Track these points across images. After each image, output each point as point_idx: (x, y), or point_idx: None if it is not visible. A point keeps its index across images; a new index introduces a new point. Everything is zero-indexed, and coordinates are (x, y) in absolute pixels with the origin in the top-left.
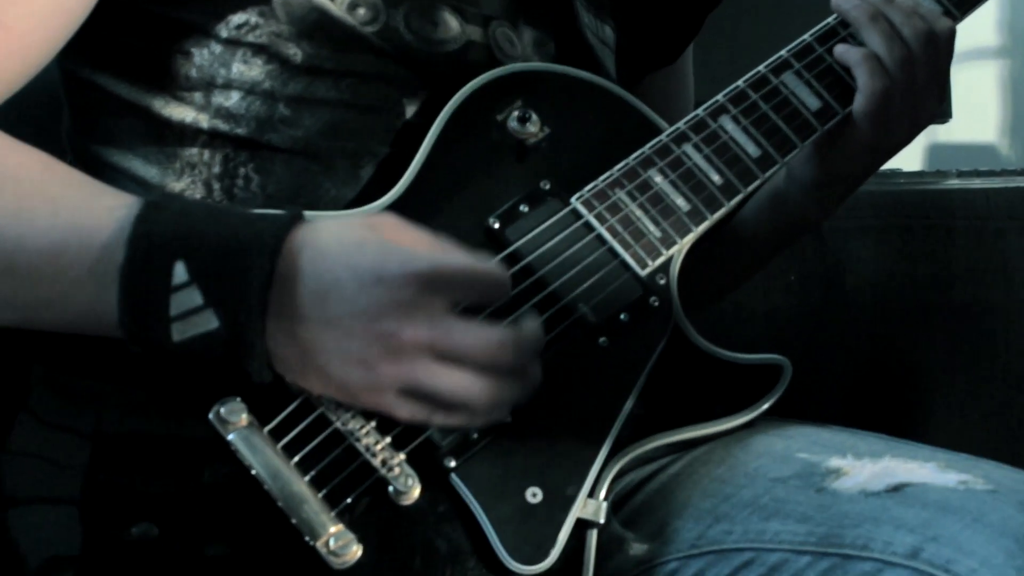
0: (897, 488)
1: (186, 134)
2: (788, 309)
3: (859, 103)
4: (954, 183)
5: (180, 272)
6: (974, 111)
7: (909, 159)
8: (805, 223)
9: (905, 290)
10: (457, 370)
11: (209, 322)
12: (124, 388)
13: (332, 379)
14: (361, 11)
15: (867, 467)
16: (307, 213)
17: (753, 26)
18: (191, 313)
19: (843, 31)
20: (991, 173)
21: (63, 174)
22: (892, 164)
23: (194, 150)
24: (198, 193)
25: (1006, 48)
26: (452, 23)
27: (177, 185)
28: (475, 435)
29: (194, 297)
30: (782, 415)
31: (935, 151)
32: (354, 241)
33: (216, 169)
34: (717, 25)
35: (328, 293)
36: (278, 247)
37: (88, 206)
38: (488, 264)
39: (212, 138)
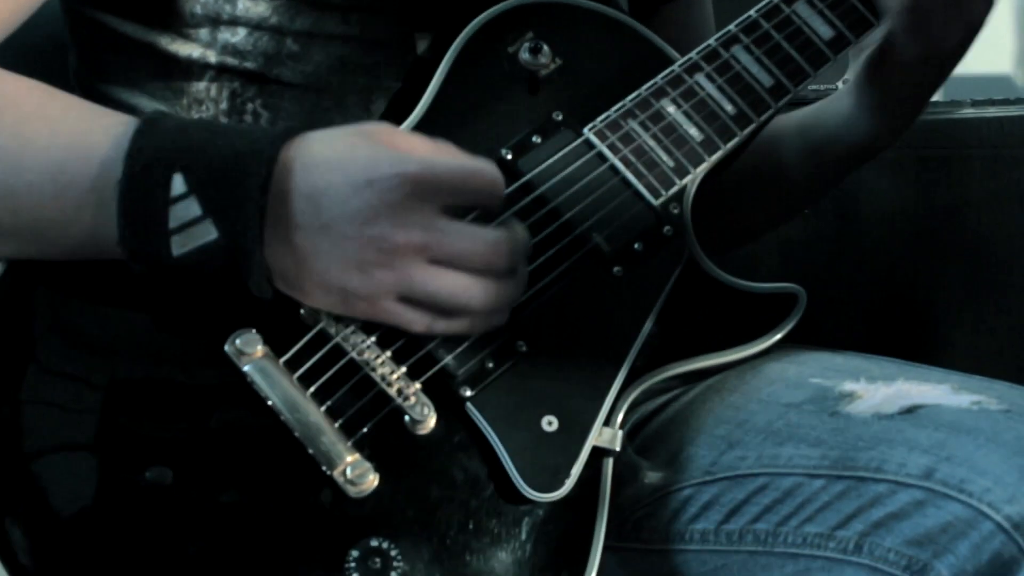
0: (910, 410)
1: (193, 70)
2: (802, 240)
3: (891, 22)
4: (968, 112)
5: (178, 184)
6: (988, 41)
7: None
8: (875, 148)
9: (920, 220)
10: (452, 272)
11: (208, 233)
12: (137, 332)
13: (330, 287)
14: None
15: (880, 390)
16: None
17: None
18: (190, 224)
19: None
20: (1006, 102)
21: (62, 98)
22: None
23: (201, 85)
24: None
25: None
26: None
27: None
28: (491, 364)
29: (192, 208)
30: (797, 343)
31: (949, 82)
32: (346, 146)
33: (224, 105)
34: None
35: (321, 198)
36: (274, 155)
37: (86, 126)
38: (479, 162)
39: (219, 73)
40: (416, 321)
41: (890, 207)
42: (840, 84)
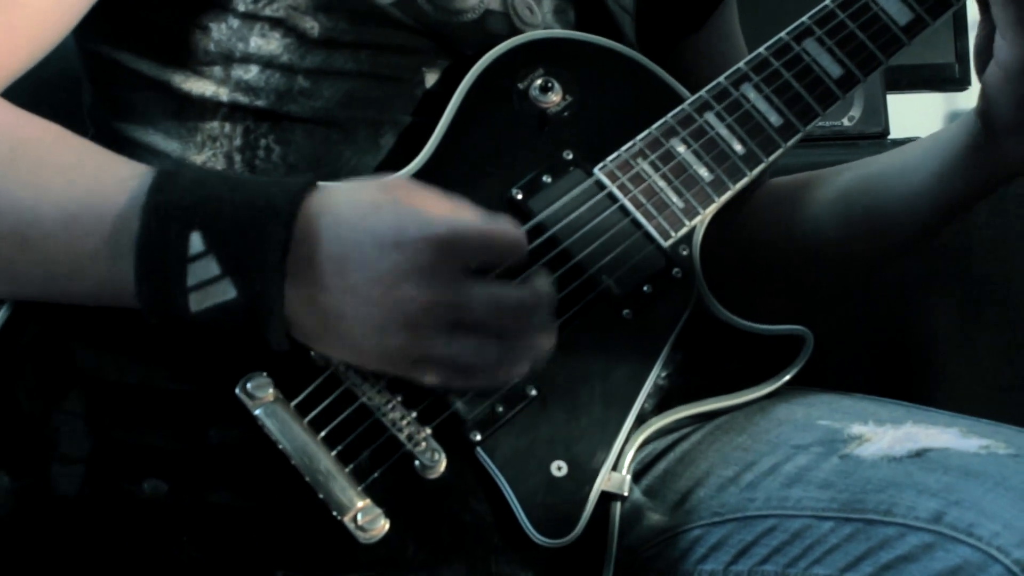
0: (919, 453)
1: (206, 108)
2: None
3: (997, 20)
4: None
5: (196, 242)
6: None
7: (928, 126)
8: (995, 183)
9: (926, 258)
10: (474, 336)
11: (227, 292)
12: (141, 347)
13: (352, 347)
14: None
15: (889, 433)
16: (324, 183)
17: None
18: (209, 283)
19: None
20: None
21: (77, 145)
22: (910, 133)
23: (215, 123)
24: (219, 165)
25: None
26: None
27: (198, 158)
28: (500, 409)
29: (211, 267)
30: (805, 384)
31: (955, 119)
32: (369, 204)
33: (237, 141)
34: None
35: (347, 258)
36: (294, 212)
37: (102, 176)
38: (503, 224)
39: (232, 111)
40: (434, 379)
41: None
42: (846, 121)
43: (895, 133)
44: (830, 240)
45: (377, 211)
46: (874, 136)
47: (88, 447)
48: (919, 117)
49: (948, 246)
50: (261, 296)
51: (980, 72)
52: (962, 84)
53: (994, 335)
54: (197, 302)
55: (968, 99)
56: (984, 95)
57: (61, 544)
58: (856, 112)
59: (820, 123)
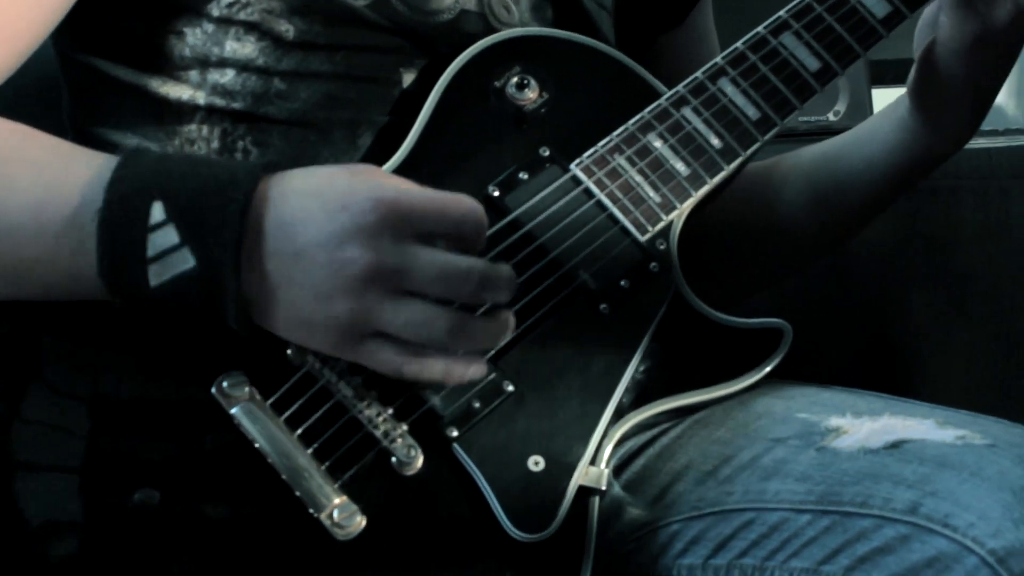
0: (896, 445)
1: (184, 111)
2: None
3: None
4: None
5: (157, 212)
6: None
7: None
8: (932, 159)
9: (910, 251)
10: (420, 303)
11: (185, 261)
12: (129, 355)
13: (300, 319)
14: None
15: (866, 425)
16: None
17: None
18: (167, 252)
19: None
20: (994, 132)
21: (45, 140)
22: None
23: (192, 126)
24: None
25: None
26: None
27: None
28: (477, 404)
29: (170, 236)
30: (786, 378)
31: None
32: (326, 176)
33: (215, 144)
34: None
35: (295, 224)
36: (253, 185)
37: (70, 166)
38: (458, 194)
39: (209, 114)
40: (387, 361)
41: (880, 238)
42: (831, 116)
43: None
44: (793, 218)
45: (331, 179)
46: None
47: (78, 458)
48: None
49: (932, 240)
50: (217, 264)
51: (918, 48)
52: None
53: (977, 329)
54: (156, 274)
55: None
56: (919, 74)
57: (54, 555)
58: (841, 107)
59: (805, 118)
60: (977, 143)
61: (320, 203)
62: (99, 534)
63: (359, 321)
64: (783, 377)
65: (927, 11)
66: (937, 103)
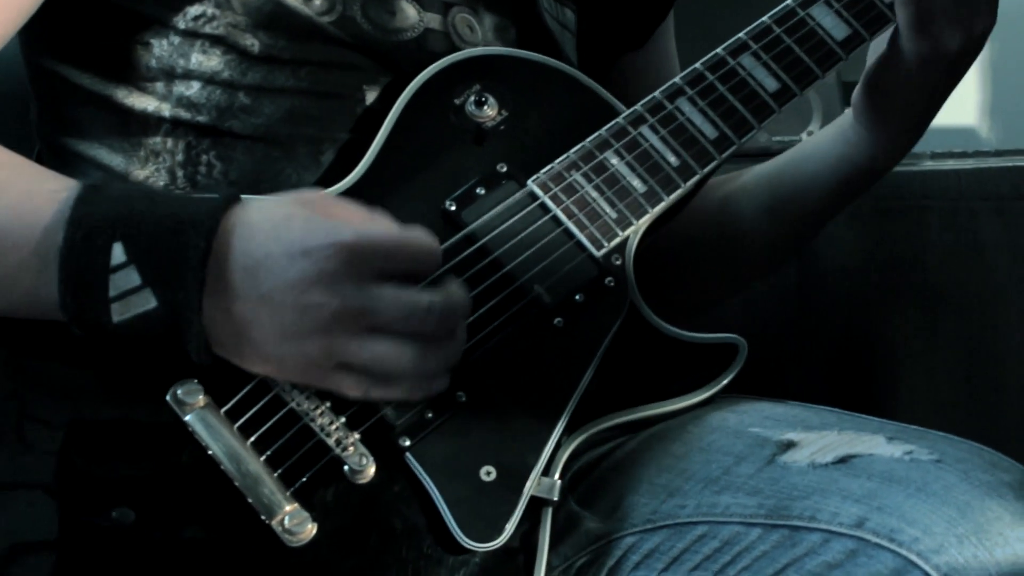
0: (845, 459)
1: (149, 123)
2: (763, 291)
3: (899, 15)
4: (928, 164)
5: (118, 253)
6: (953, 94)
7: None
8: (873, 172)
9: (879, 271)
10: (386, 339)
11: (147, 302)
12: (96, 374)
13: (268, 357)
14: (317, 1)
15: (817, 440)
16: (247, 197)
17: (726, 10)
18: (129, 293)
19: (801, 12)
20: (964, 155)
21: (8, 161)
22: None
23: (157, 139)
24: (162, 180)
25: None
26: (410, 11)
27: (141, 173)
28: (430, 414)
29: (132, 277)
30: (754, 395)
31: None
32: (282, 216)
33: (179, 157)
34: (689, 10)
35: (259, 268)
36: (213, 227)
37: (31, 189)
38: (416, 234)
39: (174, 127)
40: (352, 388)
41: (849, 258)
42: (804, 135)
43: None
44: (750, 228)
45: (288, 222)
46: None
47: (53, 478)
48: None
49: (900, 260)
50: (181, 306)
51: (869, 63)
52: None
53: (946, 348)
54: (119, 312)
55: None
56: (864, 86)
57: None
58: (815, 127)
59: (779, 137)
60: (946, 164)
61: (281, 248)
62: (74, 553)
63: (326, 357)
64: (750, 394)
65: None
66: (879, 119)
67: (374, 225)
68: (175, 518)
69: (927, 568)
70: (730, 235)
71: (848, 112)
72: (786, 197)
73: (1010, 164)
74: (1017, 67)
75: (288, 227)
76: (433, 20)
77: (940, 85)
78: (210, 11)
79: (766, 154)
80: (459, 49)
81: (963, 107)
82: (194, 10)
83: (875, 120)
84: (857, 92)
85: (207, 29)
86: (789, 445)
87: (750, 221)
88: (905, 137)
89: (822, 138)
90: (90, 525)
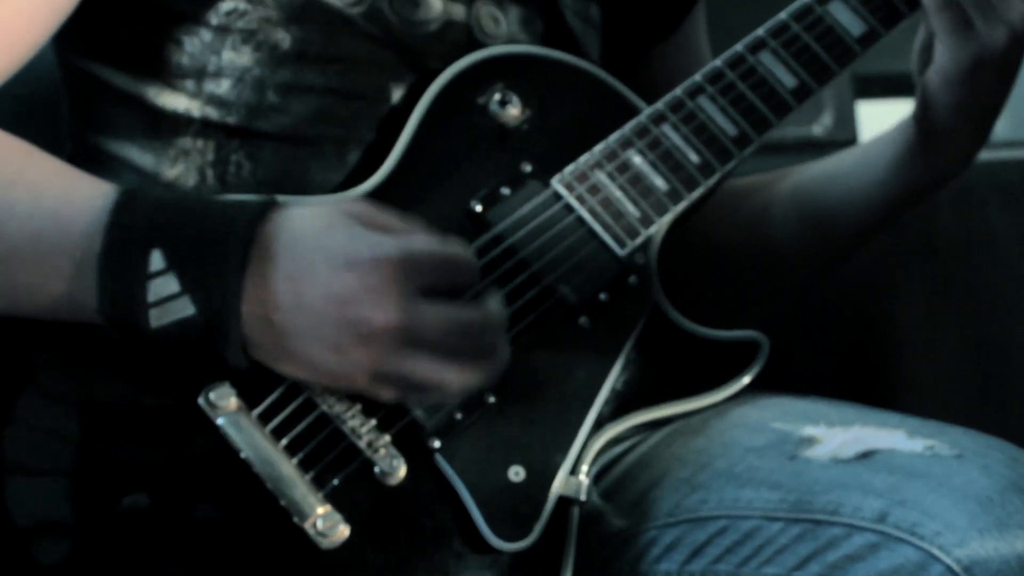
0: (866, 455)
1: (179, 123)
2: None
3: (934, 25)
4: None
5: (157, 260)
6: None
7: None
8: (934, 186)
9: (889, 261)
10: (427, 356)
11: (186, 308)
12: (120, 362)
13: (306, 364)
14: None
15: (838, 435)
16: (282, 198)
17: (746, 5)
18: (168, 299)
19: (819, 8)
20: None
21: (44, 162)
22: None
23: (187, 138)
24: (192, 180)
25: None
26: (435, 3)
27: (171, 172)
28: (459, 415)
29: (171, 284)
30: (767, 388)
31: None
32: (325, 226)
33: (209, 156)
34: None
35: (301, 278)
36: (252, 235)
37: (68, 194)
38: (456, 247)
39: (204, 126)
40: (390, 397)
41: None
42: (816, 128)
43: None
44: (783, 241)
45: (331, 231)
46: (844, 143)
47: (70, 463)
48: (890, 125)
49: (912, 250)
50: (219, 313)
51: (920, 74)
52: None
53: (957, 338)
54: (157, 318)
55: None
56: (922, 99)
57: (45, 558)
58: (827, 120)
59: (791, 131)
60: None
61: (324, 259)
62: (89, 537)
63: (366, 369)
64: (765, 386)
65: (920, 37)
66: (943, 127)
67: (416, 239)
68: (191, 505)
69: (948, 561)
70: (761, 248)
71: (908, 122)
72: (828, 210)
73: (1021, 155)
74: None
75: (331, 237)
76: (457, 12)
77: (996, 84)
78: (242, 6)
79: (779, 146)
80: (480, 42)
81: None
82: (226, 5)
83: (938, 129)
84: (916, 103)
85: (239, 24)
86: (811, 440)
87: (783, 235)
88: (971, 141)
89: (877, 150)
90: (106, 509)
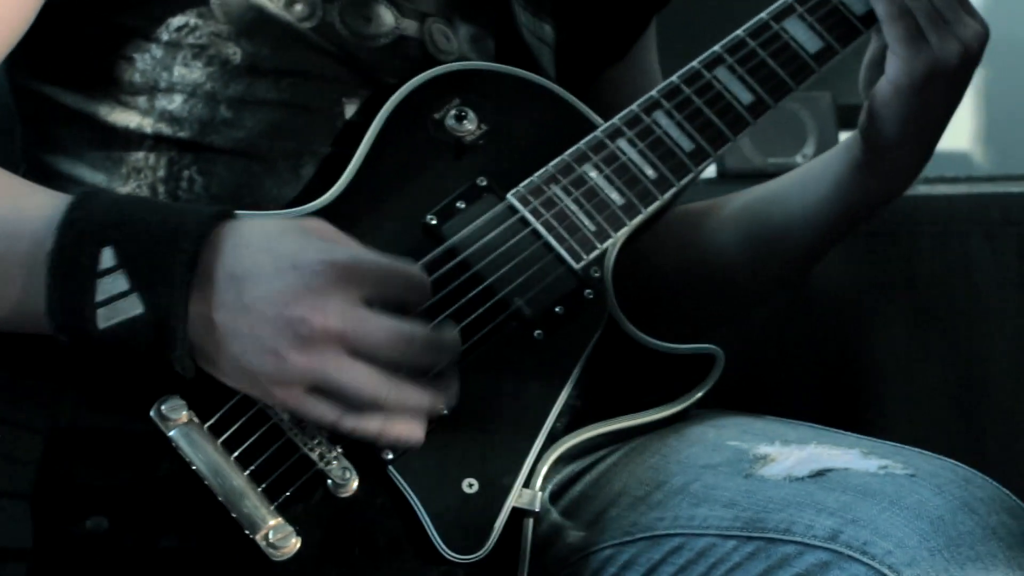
0: (820, 473)
1: (131, 139)
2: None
3: (887, 35)
4: (920, 189)
5: (108, 257)
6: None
7: None
8: (877, 203)
9: (869, 294)
10: (365, 365)
11: (134, 307)
12: (76, 383)
13: (245, 370)
14: (298, 7)
15: (793, 454)
16: (240, 212)
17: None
18: (117, 298)
19: (775, 25)
20: (955, 179)
21: None
22: None
23: (139, 154)
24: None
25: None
26: (387, 17)
27: (123, 189)
28: None
29: (120, 282)
30: (748, 411)
31: None
32: (277, 232)
33: (161, 172)
34: (670, 22)
35: (245, 277)
36: (204, 233)
37: (21, 202)
38: (405, 263)
39: (156, 142)
40: (326, 414)
41: (840, 279)
42: (799, 158)
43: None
44: (733, 262)
45: (282, 236)
46: None
47: (28, 486)
48: None
49: (892, 282)
50: (167, 312)
51: (867, 88)
52: None
53: (936, 370)
54: (105, 318)
55: None
56: (870, 111)
57: None
58: (809, 150)
59: (774, 159)
60: (938, 189)
61: (271, 259)
62: (48, 562)
63: (302, 376)
64: (746, 409)
65: (871, 51)
66: (888, 140)
67: (369, 252)
68: (151, 528)
69: None
70: (709, 270)
71: (854, 138)
72: (772, 231)
73: (1001, 190)
74: (1009, 94)
75: (281, 241)
76: (409, 27)
77: (946, 98)
78: (193, 21)
79: (761, 175)
80: (434, 58)
81: (957, 133)
82: (176, 21)
83: (885, 143)
84: (863, 117)
85: (190, 40)
86: (766, 458)
87: (729, 257)
88: (917, 157)
89: (821, 167)
90: (65, 533)
